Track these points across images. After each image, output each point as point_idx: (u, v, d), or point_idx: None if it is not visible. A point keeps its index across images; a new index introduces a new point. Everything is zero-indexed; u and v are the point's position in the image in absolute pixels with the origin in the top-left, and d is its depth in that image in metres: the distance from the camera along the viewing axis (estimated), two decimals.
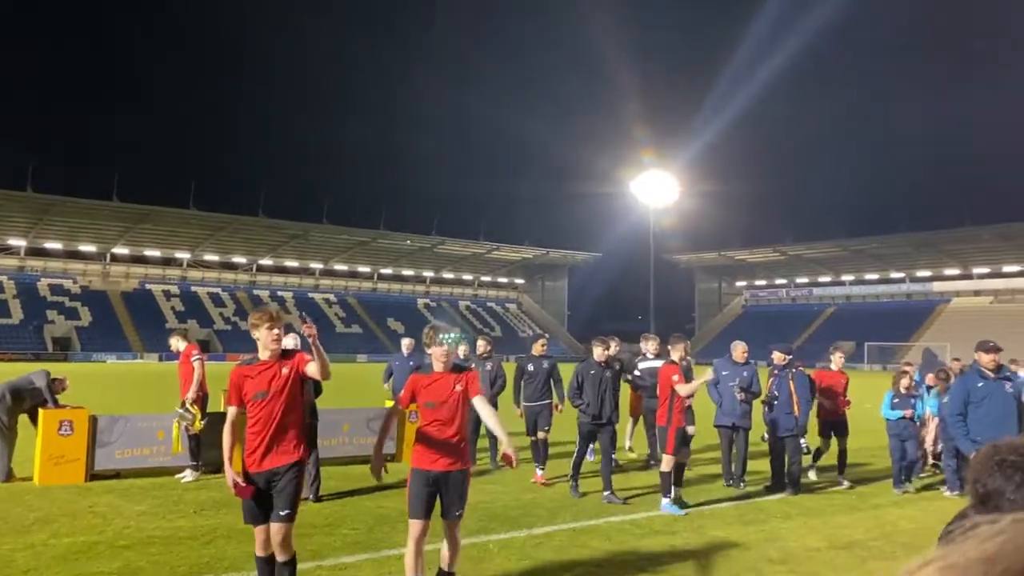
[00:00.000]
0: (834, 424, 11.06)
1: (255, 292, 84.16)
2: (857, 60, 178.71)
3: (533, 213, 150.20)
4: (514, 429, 10.64)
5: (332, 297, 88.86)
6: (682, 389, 8.74)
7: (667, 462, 8.75)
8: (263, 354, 5.12)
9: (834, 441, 11.11)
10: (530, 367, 10.93)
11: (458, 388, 5.34)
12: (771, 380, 10.35)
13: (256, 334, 5.11)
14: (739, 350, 10.63)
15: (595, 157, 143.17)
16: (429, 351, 5.48)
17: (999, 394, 7.61)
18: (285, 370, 5.08)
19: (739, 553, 7.07)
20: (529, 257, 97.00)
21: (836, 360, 11.44)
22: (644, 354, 11.71)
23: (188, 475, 9.97)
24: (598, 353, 9.70)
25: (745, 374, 10.45)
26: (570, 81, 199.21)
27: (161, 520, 7.80)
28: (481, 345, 11.84)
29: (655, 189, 74.66)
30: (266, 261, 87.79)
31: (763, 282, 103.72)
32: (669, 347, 9.31)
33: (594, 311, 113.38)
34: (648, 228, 75.66)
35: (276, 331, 5.10)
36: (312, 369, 5.08)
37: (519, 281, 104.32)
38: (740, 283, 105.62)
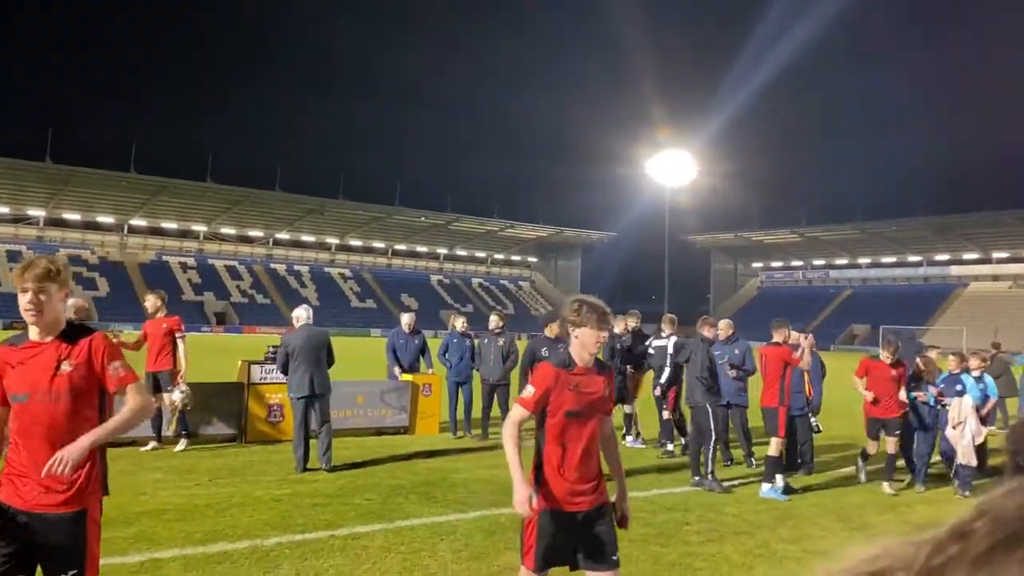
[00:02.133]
0: (884, 423, 9.41)
1: (271, 266, 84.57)
2: (879, 41, 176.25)
3: (547, 192, 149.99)
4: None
5: (347, 272, 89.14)
6: (805, 362, 8.93)
7: (775, 445, 8.70)
8: (33, 331, 3.23)
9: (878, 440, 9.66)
10: (545, 352, 9.16)
11: (606, 393, 3.91)
12: None
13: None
14: (722, 327, 10.38)
15: (611, 136, 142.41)
16: (575, 333, 3.86)
17: None
18: (67, 365, 3.18)
19: (751, 531, 7.06)
20: (543, 235, 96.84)
21: (885, 353, 9.53)
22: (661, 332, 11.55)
23: (182, 444, 9.86)
24: (710, 331, 9.54)
25: (736, 352, 10.29)
26: (586, 60, 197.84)
27: (176, 488, 7.87)
28: (494, 320, 11.82)
29: (671, 168, 74.19)
30: (283, 235, 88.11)
31: (779, 264, 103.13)
32: (773, 331, 9.27)
33: (608, 291, 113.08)
34: (664, 208, 75.34)
35: (31, 295, 3.14)
36: (128, 391, 3.29)
37: (532, 259, 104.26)
38: (756, 264, 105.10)
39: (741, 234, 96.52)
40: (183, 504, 7.22)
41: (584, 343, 3.82)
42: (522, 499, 3.56)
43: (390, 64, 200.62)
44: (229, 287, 78.10)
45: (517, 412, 3.83)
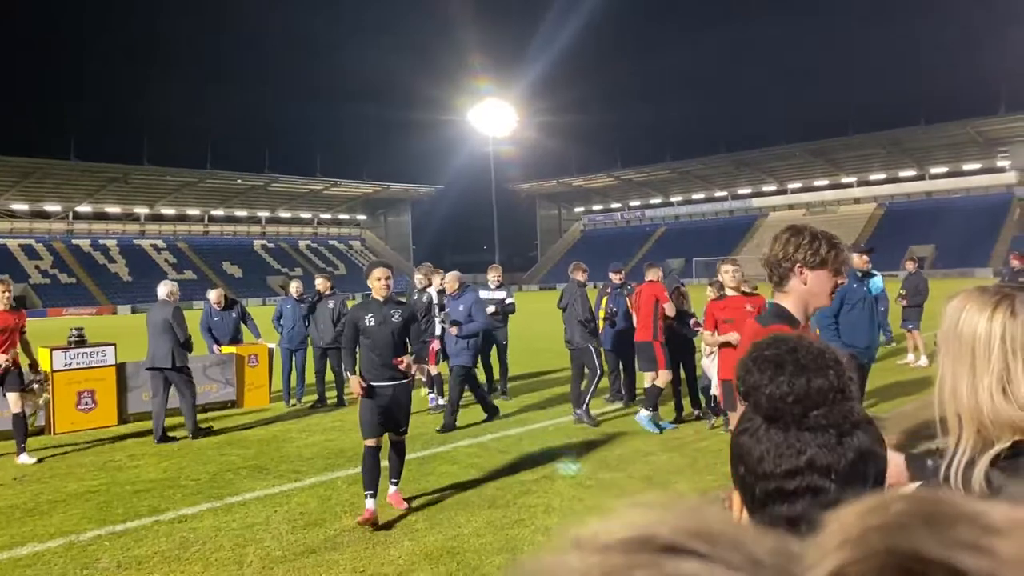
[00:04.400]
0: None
1: (74, 242, 78.11)
2: None
3: (371, 147, 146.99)
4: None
5: (160, 243, 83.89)
6: (670, 309, 9.15)
7: (663, 377, 9.02)
8: None
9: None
10: (369, 320, 6.23)
11: None
12: (607, 298, 10.63)
13: None
14: (448, 280, 10.08)
15: (433, 85, 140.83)
16: (803, 277, 2.60)
17: (867, 296, 7.55)
18: None
19: (569, 462, 7.43)
20: (369, 192, 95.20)
21: (727, 270, 8.01)
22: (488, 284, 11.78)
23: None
24: (582, 275, 9.98)
25: (461, 307, 9.70)
26: (403, 6, 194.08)
27: None
28: (321, 283, 11.54)
29: (493, 118, 74.77)
30: (84, 208, 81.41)
31: (599, 207, 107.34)
32: (646, 271, 9.57)
33: (439, 244, 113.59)
34: (488, 158, 76.01)
35: None
36: None
37: (361, 217, 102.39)
38: (578, 209, 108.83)
39: (562, 180, 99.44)
40: None
41: (815, 292, 2.62)
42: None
43: (192, 12, 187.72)
44: (27, 268, 71.40)
45: None
